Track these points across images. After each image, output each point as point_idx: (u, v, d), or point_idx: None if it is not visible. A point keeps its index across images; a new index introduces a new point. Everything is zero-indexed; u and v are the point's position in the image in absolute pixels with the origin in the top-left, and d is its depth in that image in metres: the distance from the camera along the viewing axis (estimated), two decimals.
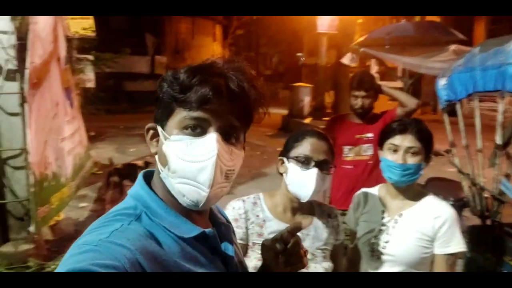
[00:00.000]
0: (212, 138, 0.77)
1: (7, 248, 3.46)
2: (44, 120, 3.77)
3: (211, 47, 21.76)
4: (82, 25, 8.50)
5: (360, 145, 2.76)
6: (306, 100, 13.28)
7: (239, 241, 1.46)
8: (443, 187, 2.98)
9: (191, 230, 0.80)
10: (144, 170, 0.89)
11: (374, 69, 11.68)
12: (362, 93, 2.69)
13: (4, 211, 3.53)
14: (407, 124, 1.61)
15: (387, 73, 13.03)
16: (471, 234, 2.33)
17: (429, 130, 1.63)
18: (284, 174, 1.51)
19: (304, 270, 1.43)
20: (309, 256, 1.48)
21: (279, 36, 30.55)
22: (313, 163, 1.43)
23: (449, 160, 2.38)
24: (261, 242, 1.46)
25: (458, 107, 2.31)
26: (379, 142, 1.71)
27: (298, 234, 1.45)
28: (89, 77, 9.15)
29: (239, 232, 1.47)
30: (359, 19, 13.68)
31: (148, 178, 0.87)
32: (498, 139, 2.08)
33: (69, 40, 8.10)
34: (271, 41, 33.25)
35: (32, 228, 3.38)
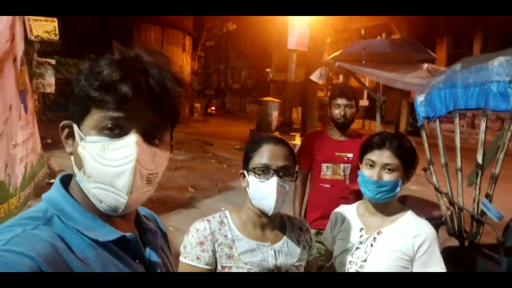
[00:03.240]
0: (131, 140, 0.72)
1: None
2: None
3: (180, 58, 21.60)
4: (45, 27, 8.13)
5: (339, 164, 2.66)
6: (274, 115, 13.37)
7: (205, 266, 1.33)
8: (415, 206, 2.93)
9: (108, 233, 0.74)
10: (62, 174, 0.82)
11: None
12: (345, 101, 2.61)
13: None
14: (386, 139, 1.54)
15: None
16: (447, 255, 2.26)
17: (410, 145, 1.56)
18: (247, 188, 1.40)
19: None
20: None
21: (249, 51, 30.86)
22: (272, 172, 1.33)
23: (426, 179, 2.32)
24: (231, 265, 1.34)
25: (437, 124, 2.27)
26: (359, 156, 1.63)
27: (271, 251, 1.37)
28: (49, 82, 8.70)
29: (204, 257, 1.33)
30: (328, 38, 13.99)
31: (66, 182, 0.81)
32: (479, 158, 2.05)
33: (30, 42, 7.70)
34: (241, 55, 33.54)
35: None
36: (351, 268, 1.58)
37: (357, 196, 2.73)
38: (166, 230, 1.03)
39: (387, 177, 1.51)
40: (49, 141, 8.11)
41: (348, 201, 2.62)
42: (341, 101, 2.62)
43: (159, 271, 0.83)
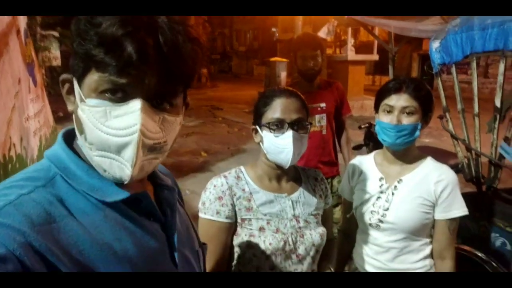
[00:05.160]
0: (135, 107, 0.64)
1: None
2: (6, 98, 3.47)
3: None
4: None
5: (313, 115, 2.64)
6: (283, 75, 13.17)
7: (225, 220, 1.34)
8: (431, 156, 2.92)
9: (117, 193, 0.69)
10: (66, 129, 0.75)
11: (350, 42, 11.60)
12: (310, 52, 2.56)
13: None
14: (402, 83, 1.50)
15: (362, 46, 12.99)
16: (466, 201, 2.27)
17: (427, 88, 1.52)
18: (260, 143, 1.39)
19: (299, 238, 1.38)
20: (302, 223, 1.40)
21: None
22: (286, 125, 1.31)
23: (442, 126, 2.29)
24: (251, 217, 1.36)
25: (453, 70, 2.21)
26: (375, 105, 1.60)
27: (288, 202, 1.38)
28: (55, 55, 8.69)
29: (224, 210, 1.35)
30: None
31: (70, 137, 0.74)
32: (497, 102, 2.00)
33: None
34: (245, 17, 32.65)
35: None
36: (373, 217, 1.60)
37: (333, 145, 2.79)
38: (180, 189, 0.99)
39: (407, 120, 1.49)
40: (61, 114, 8.18)
41: (325, 151, 2.69)
42: (306, 51, 2.56)
43: (175, 230, 0.79)
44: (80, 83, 0.67)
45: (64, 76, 0.71)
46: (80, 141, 0.70)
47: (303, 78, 2.69)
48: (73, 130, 0.74)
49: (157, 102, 0.67)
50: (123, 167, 0.66)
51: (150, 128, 0.65)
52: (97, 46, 0.62)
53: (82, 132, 0.68)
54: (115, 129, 0.64)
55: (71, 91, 0.71)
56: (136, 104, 0.64)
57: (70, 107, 0.72)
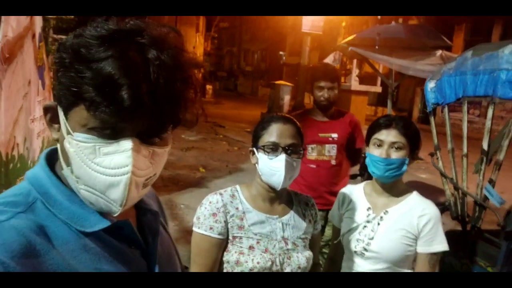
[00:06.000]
0: (127, 146, 0.62)
1: None
2: (15, 98, 3.57)
3: (194, 38, 21.58)
4: None
5: (324, 144, 2.69)
6: (286, 99, 13.33)
7: (217, 236, 1.41)
8: (420, 191, 2.99)
9: (97, 222, 0.67)
10: (48, 149, 0.73)
11: (355, 72, 11.81)
12: (328, 84, 2.61)
13: None
14: (393, 120, 1.61)
15: (367, 77, 13.22)
16: (449, 239, 2.33)
17: (415, 126, 1.62)
18: (256, 165, 1.47)
19: (286, 260, 1.44)
20: (290, 245, 1.46)
21: (263, 34, 30.55)
22: (280, 149, 1.40)
23: (432, 163, 2.37)
24: (242, 235, 1.42)
25: (445, 111, 2.31)
26: (366, 139, 1.69)
27: (279, 224, 1.44)
28: None
29: (217, 227, 1.41)
30: (344, 22, 13.79)
31: (52, 159, 0.71)
32: (485, 145, 2.08)
33: (46, 18, 7.79)
34: (254, 37, 33.21)
35: None
36: (358, 245, 1.66)
37: (343, 176, 2.80)
38: (164, 209, 0.98)
39: (395, 155, 1.57)
40: None
41: (332, 180, 2.70)
42: (324, 83, 2.61)
43: (156, 258, 0.77)
44: (66, 114, 0.65)
45: (48, 104, 0.68)
46: (65, 171, 0.67)
47: (317, 107, 2.73)
48: (56, 150, 0.72)
49: (147, 137, 0.65)
50: (110, 205, 0.64)
51: (141, 166, 0.64)
52: (89, 85, 0.59)
53: (68, 164, 0.65)
54: (104, 167, 0.62)
55: (55, 119, 0.68)
56: (127, 144, 0.62)
57: (54, 135, 0.69)
